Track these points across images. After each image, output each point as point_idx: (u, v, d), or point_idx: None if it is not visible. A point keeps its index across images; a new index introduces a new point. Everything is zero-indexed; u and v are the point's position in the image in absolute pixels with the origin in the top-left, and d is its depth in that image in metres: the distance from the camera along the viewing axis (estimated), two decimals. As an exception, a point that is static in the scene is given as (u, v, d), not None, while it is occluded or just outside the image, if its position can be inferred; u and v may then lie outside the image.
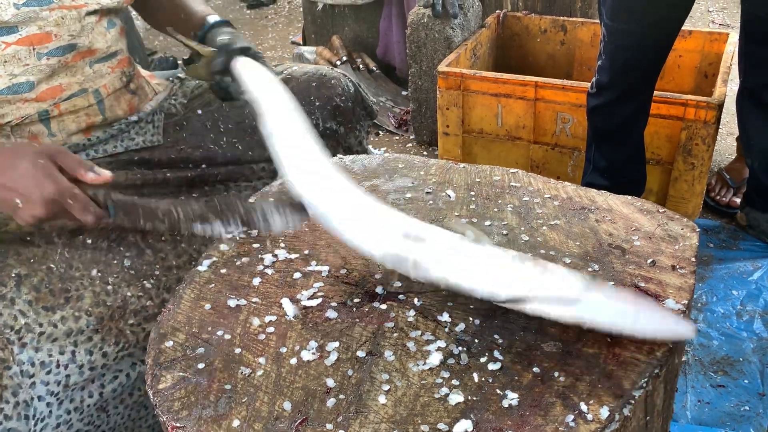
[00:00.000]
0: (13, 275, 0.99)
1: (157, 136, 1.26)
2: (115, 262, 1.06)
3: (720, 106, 1.86)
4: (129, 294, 1.04)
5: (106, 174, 0.94)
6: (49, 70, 1.11)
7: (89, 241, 1.08)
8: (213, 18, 1.25)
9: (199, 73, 1.21)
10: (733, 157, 2.33)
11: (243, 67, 1.11)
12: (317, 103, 1.34)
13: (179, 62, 3.00)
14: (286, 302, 0.89)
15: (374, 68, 3.12)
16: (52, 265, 1.02)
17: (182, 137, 1.29)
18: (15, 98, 1.09)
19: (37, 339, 0.98)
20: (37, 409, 0.96)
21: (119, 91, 1.23)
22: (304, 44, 3.45)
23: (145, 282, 1.03)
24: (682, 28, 2.05)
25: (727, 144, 2.56)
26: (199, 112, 1.34)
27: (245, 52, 1.13)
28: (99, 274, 1.04)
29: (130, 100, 1.25)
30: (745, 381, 1.53)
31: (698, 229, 0.99)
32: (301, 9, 3.50)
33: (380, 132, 2.85)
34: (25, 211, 0.90)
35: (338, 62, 3.05)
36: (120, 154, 1.21)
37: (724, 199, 2.17)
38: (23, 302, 0.98)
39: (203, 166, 1.27)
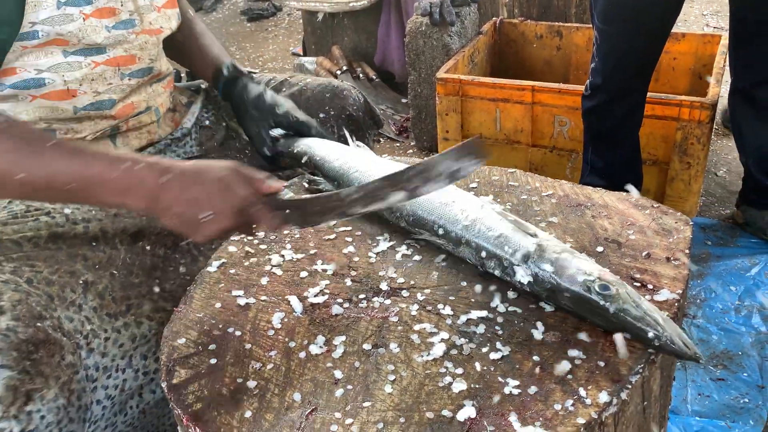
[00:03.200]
0: (81, 282, 1.02)
1: (194, 147, 1.33)
2: (171, 268, 1.10)
3: (714, 106, 1.90)
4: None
5: (278, 185, 0.95)
6: (128, 89, 1.18)
7: (148, 248, 1.13)
8: (226, 66, 1.30)
9: None
10: (735, 156, 2.36)
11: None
12: (332, 113, 1.40)
13: (182, 75, 3.04)
14: (293, 299, 0.93)
15: (374, 77, 3.16)
16: (114, 271, 1.06)
17: (213, 146, 1.36)
18: (96, 114, 1.16)
19: (104, 344, 1.01)
20: (93, 413, 0.99)
21: (168, 110, 1.30)
22: (305, 55, 3.50)
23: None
24: (677, 31, 2.09)
25: (722, 144, 2.60)
26: (224, 123, 1.40)
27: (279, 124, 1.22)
28: (157, 281, 1.09)
29: (173, 117, 1.32)
30: (745, 374, 1.56)
31: (691, 222, 1.02)
32: (301, 20, 3.55)
33: (381, 139, 2.89)
34: (213, 224, 0.89)
35: (338, 72, 3.09)
36: None
37: None
38: (89, 308, 1.01)
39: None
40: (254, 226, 0.93)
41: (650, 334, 0.78)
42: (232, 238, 1.07)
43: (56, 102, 1.11)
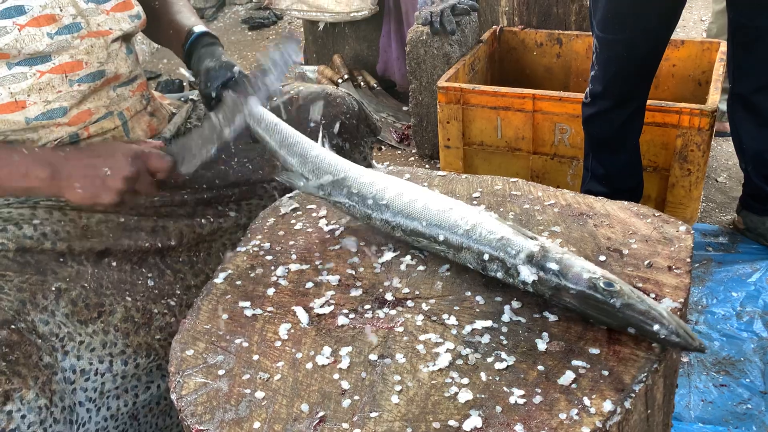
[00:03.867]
0: (53, 289, 1.04)
1: None
2: (140, 282, 1.12)
3: (713, 113, 1.91)
4: (155, 311, 1.10)
5: (158, 142, 1.13)
6: (80, 96, 1.16)
7: (114, 264, 1.15)
8: (197, 29, 1.29)
9: None
10: (735, 162, 2.37)
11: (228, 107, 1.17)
12: (323, 121, 1.39)
13: (185, 84, 3.06)
14: (299, 310, 0.94)
15: (375, 85, 3.18)
16: (84, 284, 1.08)
17: None
18: (49, 123, 1.14)
19: (78, 347, 1.03)
20: (78, 415, 1.01)
21: (140, 113, 1.28)
22: (306, 64, 3.52)
23: (169, 300, 1.08)
24: (676, 38, 2.10)
25: (722, 149, 2.61)
26: None
27: (228, 83, 1.18)
28: (127, 293, 1.11)
29: (150, 122, 1.30)
30: (747, 380, 1.57)
31: (692, 231, 1.03)
32: (302, 29, 3.57)
33: (383, 147, 2.91)
34: (114, 176, 1.00)
35: (340, 80, 3.11)
36: None
37: None
38: (61, 314, 1.03)
39: (217, 183, 1.32)
40: (151, 174, 1.05)
41: (655, 327, 0.79)
42: (138, 201, 1.18)
43: (6, 115, 1.09)
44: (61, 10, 1.11)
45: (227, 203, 1.32)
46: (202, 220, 1.26)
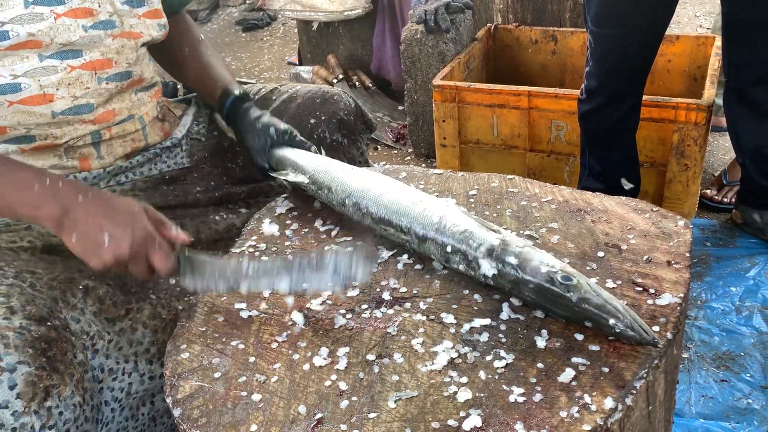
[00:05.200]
0: (81, 287, 1.04)
1: (185, 158, 1.33)
2: (161, 280, 1.11)
3: (709, 108, 1.91)
4: (180, 308, 1.10)
5: (184, 236, 0.99)
6: (107, 94, 1.18)
7: None
8: (233, 90, 1.31)
9: None
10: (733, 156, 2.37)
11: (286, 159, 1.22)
12: (323, 118, 1.40)
13: (179, 87, 3.05)
14: (296, 311, 0.93)
15: (370, 85, 3.17)
16: (110, 282, 1.08)
17: (204, 157, 1.36)
18: (75, 119, 1.15)
19: (107, 346, 1.03)
20: (104, 414, 1.01)
21: (155, 119, 1.30)
22: (300, 64, 3.51)
23: (191, 297, 1.07)
24: (671, 33, 2.10)
25: (719, 144, 2.61)
26: (216, 133, 1.40)
27: (276, 143, 1.24)
28: (150, 291, 1.10)
29: (163, 127, 1.32)
30: (747, 375, 1.56)
31: (691, 226, 1.02)
32: (296, 30, 3.56)
33: (379, 146, 2.90)
34: (109, 250, 0.92)
35: (335, 80, 3.10)
36: (154, 175, 1.28)
37: (717, 197, 2.21)
38: (90, 313, 1.03)
39: (225, 180, 1.34)
40: (149, 266, 0.96)
41: (611, 321, 0.81)
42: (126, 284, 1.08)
43: (33, 107, 1.10)
44: (99, 6, 1.14)
45: (237, 201, 1.33)
46: (216, 218, 1.27)
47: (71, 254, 1.08)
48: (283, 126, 1.25)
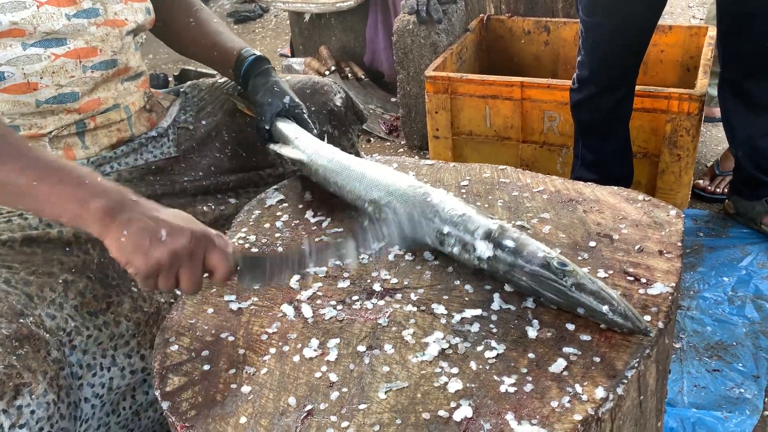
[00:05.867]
0: (61, 281, 1.03)
1: (172, 148, 1.32)
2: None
3: (702, 98, 1.90)
4: (162, 301, 1.09)
5: (232, 246, 0.90)
6: (92, 83, 1.17)
7: None
8: (248, 53, 1.31)
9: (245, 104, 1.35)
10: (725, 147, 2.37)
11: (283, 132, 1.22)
12: (313, 108, 1.39)
13: (170, 79, 3.03)
14: (286, 303, 0.92)
15: (362, 76, 3.15)
16: (90, 275, 1.06)
17: (192, 147, 1.35)
18: (59, 108, 1.14)
19: (85, 342, 1.02)
20: (83, 411, 1.00)
21: (141, 110, 1.29)
22: (293, 56, 3.49)
23: (176, 290, 1.06)
24: (664, 23, 2.09)
25: (711, 134, 2.61)
26: (204, 122, 1.39)
27: (285, 112, 1.24)
28: (132, 282, 1.09)
29: (149, 117, 1.31)
30: (739, 365, 1.56)
31: (683, 215, 1.02)
32: (288, 21, 3.54)
33: (371, 138, 2.89)
34: (166, 245, 0.81)
35: (327, 72, 3.08)
36: (140, 165, 1.27)
37: (710, 188, 2.22)
38: (70, 307, 1.02)
39: (213, 170, 1.33)
40: (203, 269, 0.85)
41: (604, 308, 0.80)
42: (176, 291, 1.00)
43: (18, 96, 1.10)
44: None
45: (226, 191, 1.32)
46: (204, 208, 1.26)
47: (52, 246, 1.06)
48: (297, 99, 1.25)
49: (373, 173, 1.05)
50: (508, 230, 0.89)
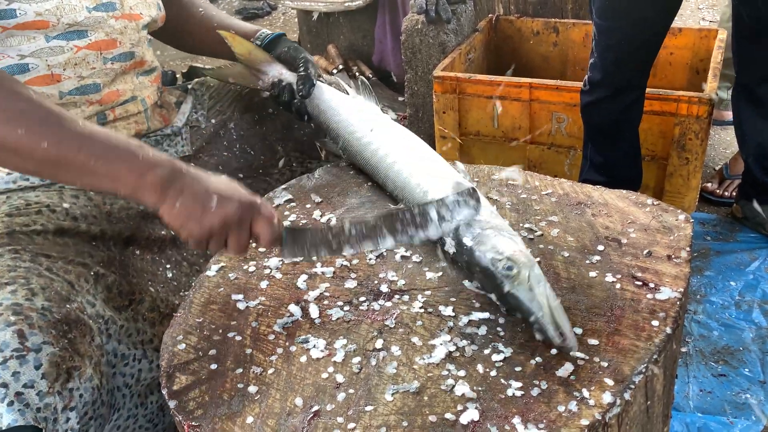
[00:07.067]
0: (92, 273, 1.05)
1: (187, 147, 1.33)
2: (160, 272, 1.12)
3: (711, 101, 1.89)
4: (176, 302, 1.10)
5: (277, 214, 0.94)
6: (112, 74, 1.20)
7: (138, 253, 1.16)
8: (266, 30, 1.34)
9: (231, 74, 1.34)
10: (734, 150, 2.36)
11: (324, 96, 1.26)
12: None
13: (178, 76, 3.04)
14: (293, 303, 0.92)
15: (370, 75, 3.15)
16: (114, 270, 1.08)
17: (202, 146, 1.36)
18: (81, 99, 1.17)
19: (119, 332, 1.03)
20: (116, 399, 1.01)
21: (155, 104, 1.31)
22: (300, 54, 3.48)
23: (187, 291, 1.08)
24: (674, 25, 2.08)
25: (720, 137, 2.60)
26: (213, 121, 1.40)
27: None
28: (150, 282, 1.11)
29: (161, 113, 1.32)
30: (746, 370, 1.56)
31: (692, 220, 1.01)
32: (296, 19, 3.54)
33: (378, 138, 2.88)
34: (217, 213, 0.85)
35: (334, 71, 3.08)
36: None
37: (718, 191, 2.21)
38: (100, 300, 1.03)
39: (221, 170, 1.31)
40: (250, 235, 0.90)
41: (531, 318, 0.80)
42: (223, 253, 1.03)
43: (41, 87, 1.11)
44: None
45: None
46: None
47: (80, 240, 1.07)
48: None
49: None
50: (475, 225, 0.90)
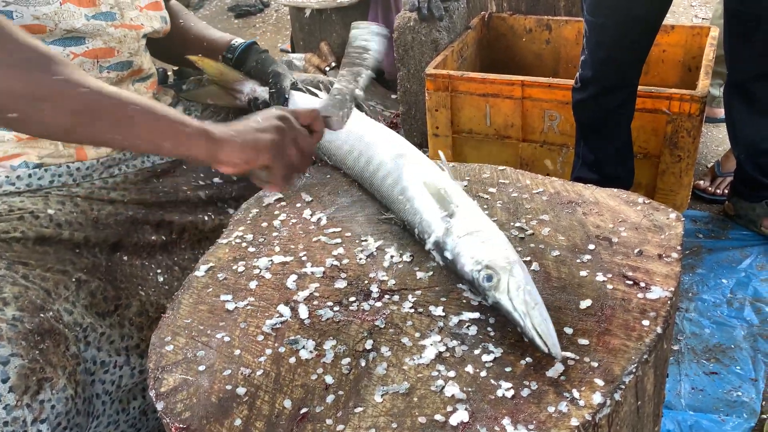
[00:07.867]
0: (74, 280, 1.04)
1: None
2: (150, 276, 1.11)
3: (703, 99, 1.89)
4: (167, 306, 1.09)
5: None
6: (109, 82, 1.17)
7: (125, 258, 1.15)
8: (238, 40, 1.35)
9: (208, 94, 1.37)
10: (726, 147, 2.37)
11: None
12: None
13: (169, 74, 3.02)
14: (282, 303, 0.91)
15: (363, 73, 3.14)
16: (100, 276, 1.07)
17: None
18: None
19: (99, 339, 1.02)
20: (94, 407, 1.00)
21: None
22: (293, 51, 3.47)
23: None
24: (666, 22, 2.08)
25: (712, 135, 2.60)
26: (196, 116, 1.40)
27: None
28: (140, 287, 1.10)
29: None
30: (737, 367, 1.56)
31: (683, 219, 1.01)
32: (289, 17, 3.52)
33: (371, 136, 2.87)
34: (266, 147, 0.90)
35: (327, 68, 3.07)
36: (146, 167, 1.27)
37: (710, 189, 2.21)
38: (81, 306, 1.02)
39: (213, 174, 1.34)
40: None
41: (519, 328, 0.80)
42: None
43: None
44: None
45: (227, 200, 1.33)
46: (205, 217, 1.28)
47: (63, 247, 1.06)
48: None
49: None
50: (452, 234, 0.90)
